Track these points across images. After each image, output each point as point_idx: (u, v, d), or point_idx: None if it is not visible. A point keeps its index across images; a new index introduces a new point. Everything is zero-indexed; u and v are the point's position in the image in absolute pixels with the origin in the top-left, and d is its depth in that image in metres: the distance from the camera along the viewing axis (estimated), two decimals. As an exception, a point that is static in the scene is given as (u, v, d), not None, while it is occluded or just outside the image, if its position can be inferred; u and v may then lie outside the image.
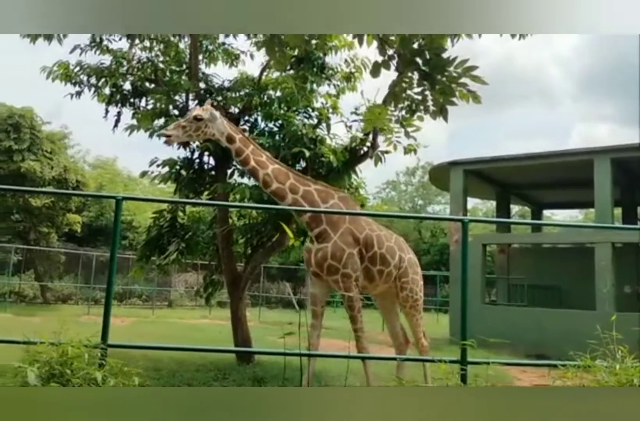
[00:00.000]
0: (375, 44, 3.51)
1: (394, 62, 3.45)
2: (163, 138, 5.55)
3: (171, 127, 5.44)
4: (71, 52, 8.03)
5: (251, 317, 9.82)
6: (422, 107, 3.59)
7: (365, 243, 5.81)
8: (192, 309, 23.72)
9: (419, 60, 3.40)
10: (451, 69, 3.39)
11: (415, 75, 3.44)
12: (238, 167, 8.29)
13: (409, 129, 4.30)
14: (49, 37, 7.56)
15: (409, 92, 3.55)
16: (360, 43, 3.39)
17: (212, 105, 5.87)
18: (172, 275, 24.57)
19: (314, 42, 7.08)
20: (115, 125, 8.44)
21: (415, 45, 3.35)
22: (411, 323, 6.45)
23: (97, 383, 3.08)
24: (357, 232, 5.79)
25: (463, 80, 3.40)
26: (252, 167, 5.70)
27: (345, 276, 5.65)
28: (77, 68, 8.10)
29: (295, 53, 7.60)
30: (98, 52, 8.17)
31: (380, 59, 3.46)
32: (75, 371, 3.07)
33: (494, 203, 29.09)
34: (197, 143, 8.41)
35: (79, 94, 8.29)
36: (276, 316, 19.64)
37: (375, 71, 3.49)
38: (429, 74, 3.38)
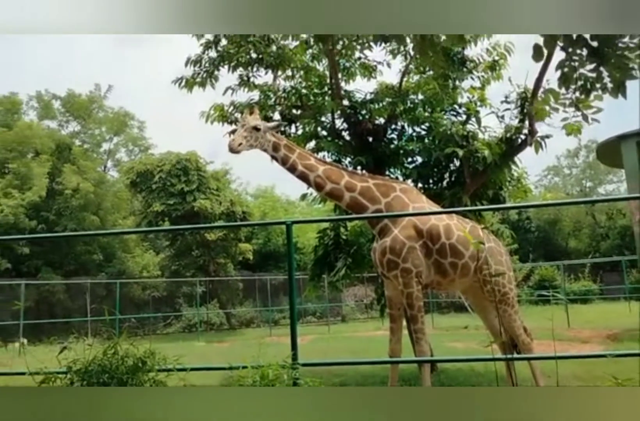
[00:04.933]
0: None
1: (559, 40, 3.15)
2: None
3: (237, 138, 5.29)
4: (224, 93, 8.64)
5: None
6: (597, 86, 3.23)
7: (430, 235, 5.31)
8: (364, 322, 24.02)
9: (586, 35, 3.09)
10: (626, 39, 3.03)
11: (585, 52, 3.11)
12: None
13: (587, 111, 3.88)
14: (202, 84, 8.31)
15: (581, 70, 3.22)
16: None
17: (258, 111, 5.70)
18: (342, 290, 25.18)
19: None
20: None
21: None
22: (504, 319, 5.75)
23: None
24: (419, 223, 5.32)
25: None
26: (300, 172, 5.48)
27: (404, 271, 5.22)
28: (231, 108, 8.69)
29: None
30: (246, 89, 8.66)
31: (540, 40, 3.18)
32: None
33: (677, 175, 25.71)
34: (348, 159, 8.58)
35: (235, 131, 8.85)
36: (449, 321, 19.16)
37: (538, 54, 3.22)
38: (598, 49, 3.05)
